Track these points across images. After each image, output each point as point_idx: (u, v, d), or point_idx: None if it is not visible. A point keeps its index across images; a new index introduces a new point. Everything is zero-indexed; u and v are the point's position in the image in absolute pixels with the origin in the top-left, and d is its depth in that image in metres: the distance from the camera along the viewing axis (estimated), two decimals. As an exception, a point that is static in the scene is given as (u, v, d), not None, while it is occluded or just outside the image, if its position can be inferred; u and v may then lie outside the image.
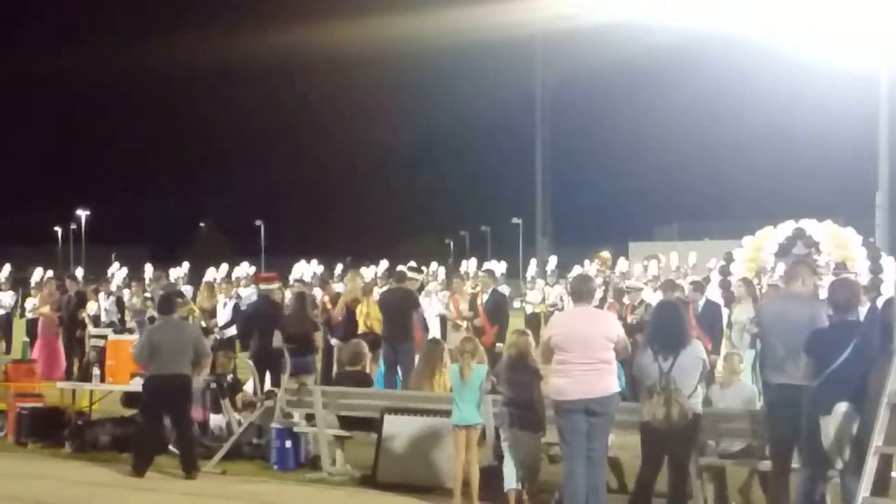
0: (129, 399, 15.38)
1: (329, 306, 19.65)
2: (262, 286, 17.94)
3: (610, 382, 10.11)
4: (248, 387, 15.86)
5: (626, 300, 18.69)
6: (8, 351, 27.91)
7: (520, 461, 10.86)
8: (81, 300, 23.27)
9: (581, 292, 10.64)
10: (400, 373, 16.53)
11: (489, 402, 11.39)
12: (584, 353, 10.05)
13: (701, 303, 17.77)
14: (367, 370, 14.55)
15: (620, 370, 10.54)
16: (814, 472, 9.09)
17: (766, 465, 10.60)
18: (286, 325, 15.03)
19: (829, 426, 8.83)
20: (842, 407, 8.81)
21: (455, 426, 11.16)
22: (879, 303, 11.83)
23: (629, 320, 17.50)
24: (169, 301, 14.27)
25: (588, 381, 10.01)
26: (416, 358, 15.08)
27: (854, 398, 8.82)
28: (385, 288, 20.21)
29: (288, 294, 21.28)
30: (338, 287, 22.64)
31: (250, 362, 16.14)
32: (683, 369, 9.80)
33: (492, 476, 11.16)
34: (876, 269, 22.50)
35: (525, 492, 10.92)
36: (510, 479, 10.86)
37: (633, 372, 10.34)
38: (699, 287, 18.84)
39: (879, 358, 8.86)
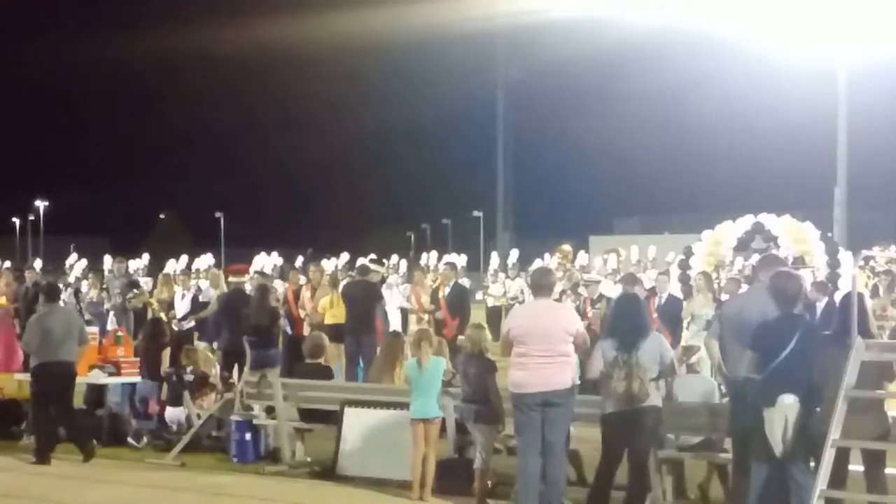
0: (89, 394, 15.34)
1: (291, 298, 19.61)
2: (232, 278, 17.87)
3: (568, 375, 10.13)
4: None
5: (583, 292, 18.74)
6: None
7: (476, 453, 10.91)
8: (39, 291, 23.07)
9: (541, 285, 10.66)
10: (362, 365, 16.54)
11: (449, 395, 11.41)
12: (544, 345, 10.08)
13: (664, 296, 17.87)
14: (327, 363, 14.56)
15: (577, 361, 10.55)
16: (764, 466, 9.16)
17: (724, 458, 10.68)
18: (248, 317, 14.97)
19: (774, 418, 8.91)
20: (786, 399, 8.88)
21: (413, 419, 11.18)
22: (837, 297, 11.93)
23: (589, 314, 17.56)
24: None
25: (546, 373, 10.04)
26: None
27: (798, 391, 8.90)
28: (346, 281, 20.20)
29: (248, 287, 21.18)
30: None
31: (209, 354, 16.08)
32: (644, 358, 9.82)
33: (450, 469, 11.18)
34: (834, 264, 22.66)
35: (479, 484, 10.92)
36: (478, 460, 10.90)
37: (590, 364, 10.30)
38: (665, 279, 18.95)
39: (827, 350, 8.99)
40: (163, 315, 20.09)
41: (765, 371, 9.06)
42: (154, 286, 25.74)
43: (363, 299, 17.31)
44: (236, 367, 15.91)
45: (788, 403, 8.88)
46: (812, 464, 8.92)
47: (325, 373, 13.81)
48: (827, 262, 23.86)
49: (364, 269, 18.68)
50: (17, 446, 14.25)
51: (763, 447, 9.03)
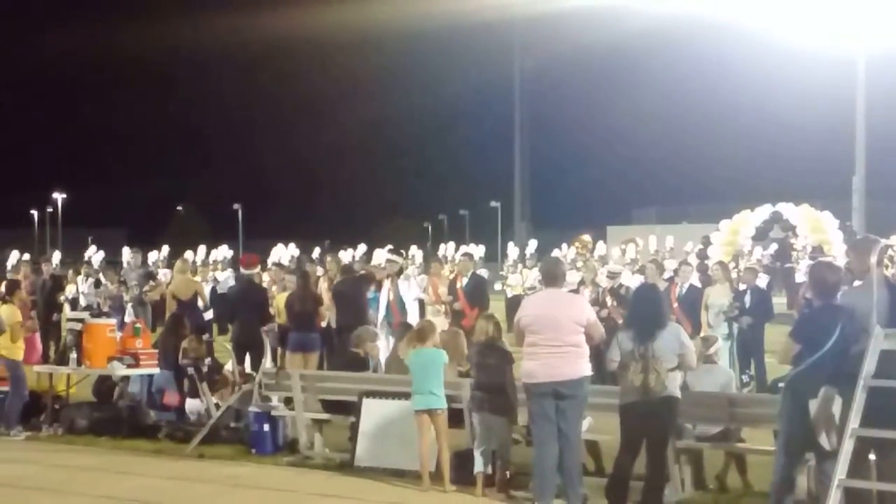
0: (99, 385, 15.38)
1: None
2: (244, 269, 17.90)
3: (580, 365, 10.11)
4: (228, 368, 15.84)
5: (601, 282, 18.70)
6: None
7: (491, 444, 10.90)
8: (57, 283, 23.17)
9: (552, 275, 10.64)
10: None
11: (466, 385, 11.40)
12: (553, 335, 10.06)
13: (685, 286, 17.84)
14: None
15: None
16: (793, 456, 9.12)
17: (742, 448, 10.66)
18: (291, 304, 14.99)
19: (819, 409, 8.85)
20: (828, 391, 8.83)
21: (416, 411, 11.20)
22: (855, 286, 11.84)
23: (609, 304, 17.54)
24: None
25: (556, 363, 10.02)
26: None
27: (840, 382, 8.85)
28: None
29: (266, 277, 21.23)
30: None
31: (228, 346, 16.11)
32: (662, 350, 9.80)
33: (467, 459, 11.18)
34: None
35: (499, 474, 10.95)
36: (479, 462, 10.91)
37: (608, 356, 10.29)
38: (689, 266, 18.93)
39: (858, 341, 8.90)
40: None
41: (807, 362, 9.00)
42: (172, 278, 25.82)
43: (353, 295, 17.42)
44: (248, 358, 15.98)
45: (831, 396, 8.83)
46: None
47: (359, 363, 13.77)
48: (845, 251, 23.77)
49: (348, 269, 18.85)
50: (38, 438, 14.32)
51: (803, 438, 8.97)
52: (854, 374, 8.74)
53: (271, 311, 17.37)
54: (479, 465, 10.92)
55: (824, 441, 8.86)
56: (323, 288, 19.41)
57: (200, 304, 18.84)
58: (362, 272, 19.24)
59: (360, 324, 16.50)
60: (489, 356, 11.01)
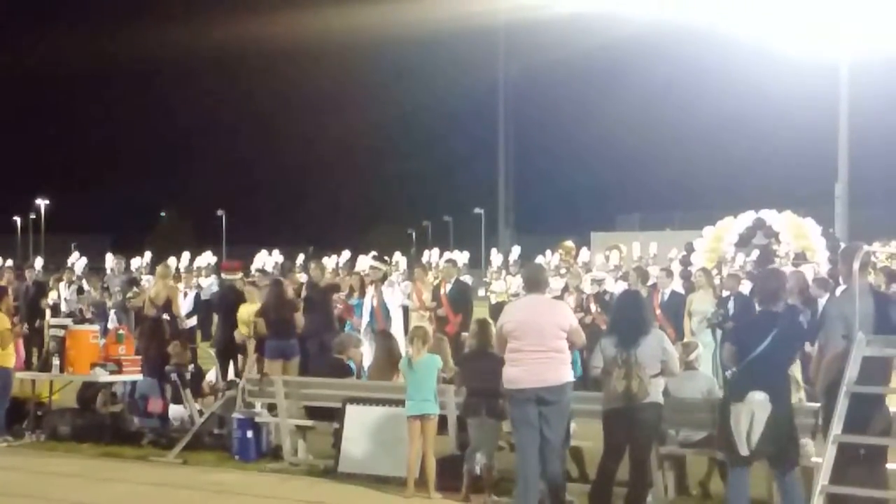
0: (83, 392, 15.33)
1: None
2: (226, 275, 17.87)
3: (562, 371, 10.12)
4: (211, 376, 15.83)
5: (586, 289, 18.72)
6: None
7: (484, 449, 10.91)
8: (40, 290, 23.09)
9: (534, 281, 10.68)
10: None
11: (451, 391, 11.41)
12: (536, 341, 10.06)
13: (667, 292, 17.87)
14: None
15: (577, 356, 10.55)
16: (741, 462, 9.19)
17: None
18: (266, 312, 14.98)
19: (741, 413, 8.92)
20: (756, 396, 8.88)
21: (409, 416, 11.19)
22: (838, 293, 11.90)
23: (592, 310, 17.56)
24: None
25: (540, 370, 10.02)
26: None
27: (769, 389, 8.91)
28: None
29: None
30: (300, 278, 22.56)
31: (211, 351, 16.09)
32: (645, 356, 9.82)
33: (452, 466, 11.18)
34: (835, 260, 22.66)
35: (486, 479, 10.95)
36: (474, 466, 10.93)
37: (591, 362, 10.31)
38: (670, 274, 18.96)
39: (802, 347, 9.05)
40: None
41: (740, 366, 9.11)
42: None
43: (321, 302, 17.48)
44: (231, 364, 15.95)
45: (758, 400, 8.88)
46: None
47: (342, 369, 13.76)
48: (828, 258, 23.87)
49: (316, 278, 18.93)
50: (20, 444, 14.28)
51: (720, 441, 9.08)
52: (785, 383, 8.93)
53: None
54: (474, 469, 10.94)
55: (741, 446, 8.91)
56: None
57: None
58: (331, 282, 19.37)
59: (327, 332, 16.55)
60: (483, 360, 11.02)
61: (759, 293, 9.43)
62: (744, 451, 8.96)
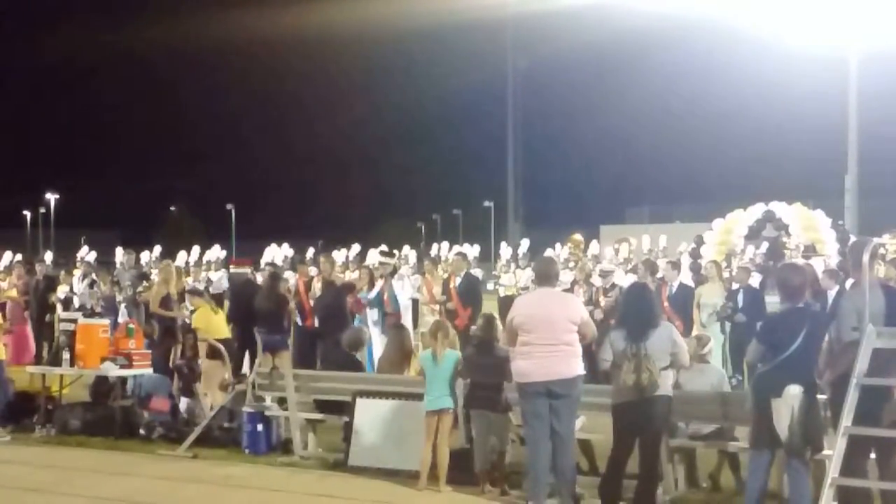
0: (97, 386, 15.33)
1: (302, 290, 19.62)
2: (234, 269, 17.88)
3: (573, 365, 10.11)
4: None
5: (595, 282, 18.71)
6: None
7: (489, 443, 10.90)
8: (50, 284, 23.14)
9: (545, 274, 10.66)
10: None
11: (459, 385, 11.42)
12: (547, 334, 10.06)
13: (675, 284, 17.85)
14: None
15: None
16: (763, 454, 9.17)
17: (735, 446, 10.68)
18: (258, 305, 15.01)
19: (781, 407, 8.90)
20: (793, 389, 8.87)
21: (427, 411, 11.18)
22: (848, 285, 11.88)
23: (602, 303, 17.54)
24: None
25: (550, 363, 10.02)
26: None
27: (803, 382, 8.90)
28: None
29: (259, 278, 21.20)
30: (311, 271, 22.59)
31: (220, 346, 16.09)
32: (654, 349, 9.81)
33: (462, 459, 11.18)
34: (845, 253, 22.63)
35: (495, 472, 10.96)
36: (480, 460, 10.91)
37: (600, 355, 10.29)
38: (676, 266, 18.91)
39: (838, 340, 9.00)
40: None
41: (772, 363, 9.06)
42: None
43: (334, 303, 17.53)
44: (247, 357, 15.97)
45: (794, 394, 8.87)
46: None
47: (353, 365, 13.77)
48: (838, 251, 23.81)
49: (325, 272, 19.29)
50: (30, 438, 14.30)
51: (769, 436, 9.03)
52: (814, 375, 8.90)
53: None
54: (480, 463, 10.94)
55: (785, 438, 8.90)
56: (317, 288, 19.42)
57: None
58: (347, 281, 19.49)
59: (342, 332, 16.59)
60: (489, 354, 11.02)
61: (783, 289, 9.34)
62: (786, 442, 8.94)
